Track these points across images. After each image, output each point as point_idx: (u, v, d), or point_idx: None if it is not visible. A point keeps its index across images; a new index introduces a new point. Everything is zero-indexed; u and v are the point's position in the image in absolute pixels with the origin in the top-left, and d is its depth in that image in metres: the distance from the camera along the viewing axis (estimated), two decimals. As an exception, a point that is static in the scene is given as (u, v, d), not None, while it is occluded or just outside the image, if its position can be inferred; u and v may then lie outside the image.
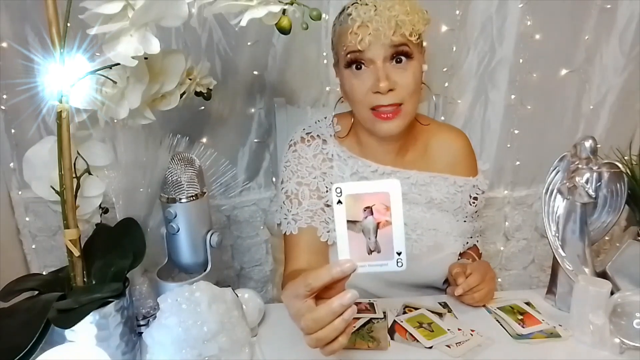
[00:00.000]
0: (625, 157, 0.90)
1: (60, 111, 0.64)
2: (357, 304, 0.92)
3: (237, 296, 0.78)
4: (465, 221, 1.04)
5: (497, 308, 0.91)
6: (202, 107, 1.28)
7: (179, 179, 0.80)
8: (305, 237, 0.95)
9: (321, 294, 0.61)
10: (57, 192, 0.70)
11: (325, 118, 1.03)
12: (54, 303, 0.69)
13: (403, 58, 0.87)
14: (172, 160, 0.81)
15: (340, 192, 0.60)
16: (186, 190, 0.81)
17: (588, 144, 0.84)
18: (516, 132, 1.41)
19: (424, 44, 0.93)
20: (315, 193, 0.96)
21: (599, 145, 0.86)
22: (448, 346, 0.80)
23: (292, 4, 0.63)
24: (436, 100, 1.28)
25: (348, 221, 0.61)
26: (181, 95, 0.83)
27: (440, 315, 0.89)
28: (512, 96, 1.36)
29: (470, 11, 1.30)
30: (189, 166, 0.81)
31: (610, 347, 0.78)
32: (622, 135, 1.42)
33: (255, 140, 1.36)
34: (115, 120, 0.76)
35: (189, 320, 0.68)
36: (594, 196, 0.86)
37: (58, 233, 1.33)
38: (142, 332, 0.74)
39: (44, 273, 1.25)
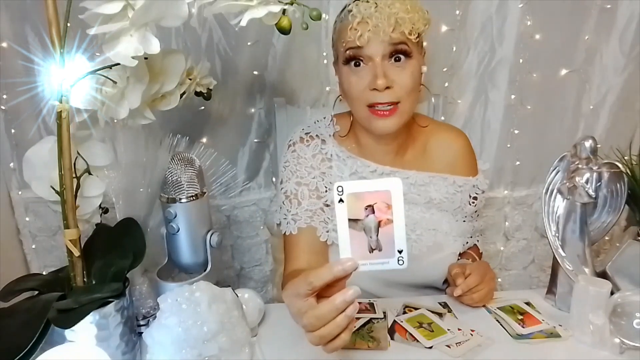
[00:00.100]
0: (625, 157, 0.90)
1: (60, 111, 0.64)
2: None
3: (237, 296, 0.78)
4: (464, 221, 1.04)
5: (497, 308, 0.91)
6: (202, 107, 1.28)
7: (179, 179, 0.80)
8: (305, 237, 0.95)
9: (322, 293, 0.61)
10: (57, 192, 0.70)
11: (325, 118, 1.03)
12: (54, 303, 0.69)
13: (402, 57, 0.87)
14: (172, 160, 0.81)
15: (342, 190, 0.60)
16: (186, 190, 0.81)
17: (588, 144, 0.84)
18: (516, 132, 1.41)
19: (424, 44, 0.93)
20: (314, 193, 0.97)
21: (599, 145, 0.86)
22: (448, 346, 0.80)
23: (292, 4, 0.63)
24: (435, 101, 1.28)
25: (349, 220, 0.61)
26: (181, 95, 0.83)
27: (440, 315, 0.89)
28: (512, 96, 1.36)
29: (470, 11, 1.30)
30: (189, 166, 0.81)
31: (610, 347, 0.78)
32: (622, 135, 1.42)
33: (255, 140, 1.36)
34: (115, 120, 0.76)
35: (189, 320, 0.68)
36: (594, 196, 0.86)
37: (58, 233, 1.33)
38: (142, 332, 0.74)
39: (44, 273, 1.25)
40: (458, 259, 1.02)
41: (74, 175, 0.70)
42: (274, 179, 1.40)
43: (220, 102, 1.28)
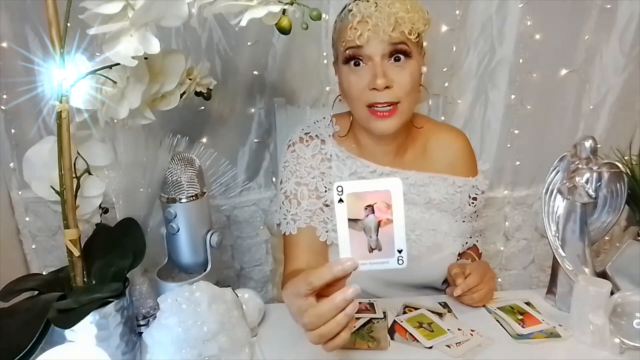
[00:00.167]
0: (625, 157, 0.90)
1: (60, 111, 0.64)
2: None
3: (237, 296, 0.78)
4: (464, 221, 1.04)
5: (497, 308, 0.91)
6: (202, 107, 1.28)
7: (179, 179, 0.80)
8: (305, 237, 0.95)
9: (322, 292, 0.61)
10: (57, 192, 0.70)
11: (324, 118, 1.03)
12: (54, 303, 0.69)
13: (402, 57, 0.87)
14: (172, 160, 0.81)
15: (342, 190, 0.60)
16: (186, 190, 0.81)
17: (588, 144, 0.84)
18: (516, 132, 1.41)
19: (424, 44, 0.93)
20: (314, 193, 0.97)
21: (599, 145, 0.86)
22: (448, 346, 0.80)
23: (292, 4, 0.63)
24: (435, 101, 1.29)
25: (349, 219, 0.61)
26: (181, 95, 0.83)
27: (440, 315, 0.89)
28: (512, 96, 1.36)
29: (470, 11, 1.30)
30: (189, 166, 0.81)
31: (610, 347, 0.78)
32: (622, 135, 1.41)
33: (255, 140, 1.36)
34: (115, 120, 0.76)
35: (189, 320, 0.68)
36: (594, 196, 0.86)
37: (58, 233, 1.33)
38: (142, 332, 0.74)
39: (44, 273, 1.25)
40: (457, 259, 1.02)
41: (74, 175, 0.70)
42: (274, 179, 1.40)
43: (220, 102, 1.28)
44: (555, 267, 0.92)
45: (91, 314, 0.69)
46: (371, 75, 0.86)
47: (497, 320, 0.87)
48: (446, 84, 1.36)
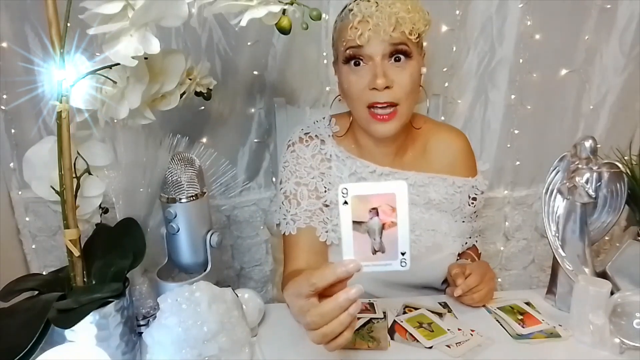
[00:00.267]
0: (625, 157, 0.90)
1: (60, 111, 0.64)
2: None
3: (237, 296, 0.78)
4: (464, 221, 1.04)
5: (497, 308, 0.91)
6: (202, 107, 1.28)
7: (179, 179, 0.80)
8: (304, 237, 0.95)
9: (323, 292, 0.61)
10: (57, 192, 0.70)
11: (324, 118, 1.03)
12: (54, 303, 0.69)
13: (402, 57, 0.87)
14: (172, 160, 0.81)
15: (346, 192, 0.60)
16: (186, 190, 0.80)
17: (588, 144, 0.84)
18: (516, 132, 1.41)
19: (424, 44, 0.93)
20: (313, 193, 0.97)
21: (599, 145, 0.86)
22: (448, 346, 0.80)
23: (292, 4, 0.63)
24: (435, 101, 1.29)
25: (353, 222, 0.61)
26: (181, 95, 0.83)
27: (440, 315, 0.89)
28: (512, 96, 1.36)
29: (470, 11, 1.30)
30: (189, 166, 0.81)
31: (610, 347, 0.78)
32: (622, 135, 1.42)
33: (255, 140, 1.36)
34: (115, 120, 0.76)
35: (189, 320, 0.68)
36: (594, 196, 0.86)
37: (58, 233, 1.33)
38: (142, 332, 0.74)
39: (44, 273, 1.25)
40: (457, 259, 1.02)
41: (74, 175, 0.70)
42: (274, 179, 1.40)
43: (220, 102, 1.28)
44: (555, 267, 0.92)
45: (91, 314, 0.69)
46: (371, 75, 0.86)
47: (497, 320, 0.87)
48: (446, 84, 1.36)
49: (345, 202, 0.60)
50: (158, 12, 0.59)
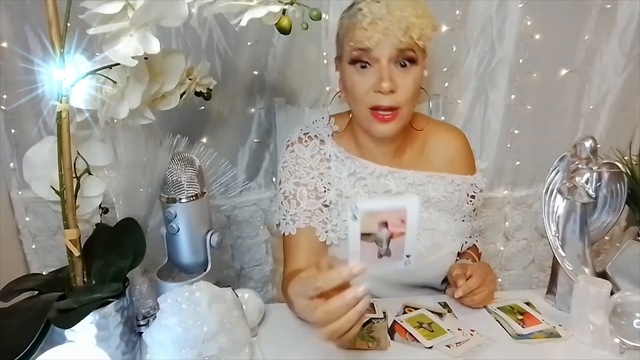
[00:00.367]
0: (625, 157, 0.90)
1: (60, 111, 0.64)
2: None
3: (237, 296, 0.78)
4: (463, 220, 1.04)
5: (497, 308, 0.91)
6: (202, 107, 1.27)
7: (179, 179, 0.80)
8: (304, 237, 0.95)
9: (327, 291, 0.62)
10: (57, 192, 0.70)
11: (323, 118, 1.03)
12: (54, 303, 0.69)
13: (407, 63, 0.87)
14: (172, 160, 0.81)
15: (357, 208, 0.60)
16: (186, 190, 0.80)
17: (588, 144, 0.84)
18: (516, 132, 1.41)
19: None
20: (313, 193, 0.97)
21: (599, 145, 0.86)
22: (448, 346, 0.80)
23: (292, 4, 0.63)
24: (434, 101, 1.28)
25: (362, 234, 0.61)
26: (181, 95, 0.83)
27: (440, 315, 0.89)
28: (512, 96, 1.36)
29: (470, 11, 1.29)
30: (189, 166, 0.81)
31: (610, 347, 0.78)
32: (622, 135, 1.41)
33: (255, 140, 1.36)
34: (115, 120, 0.76)
35: (189, 320, 0.68)
36: (594, 196, 0.86)
37: (58, 233, 1.32)
38: (142, 332, 0.74)
39: (44, 273, 1.25)
40: (457, 260, 1.02)
41: (74, 175, 0.70)
42: (274, 179, 1.40)
43: (220, 102, 1.28)
44: (555, 267, 0.92)
45: (91, 314, 0.69)
46: (377, 78, 0.86)
47: (497, 320, 0.87)
48: (446, 84, 1.35)
49: (355, 217, 0.60)
50: (158, 12, 0.59)
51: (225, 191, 1.29)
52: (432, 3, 0.89)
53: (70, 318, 0.68)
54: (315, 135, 1.00)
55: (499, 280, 1.56)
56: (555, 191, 0.90)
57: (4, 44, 1.16)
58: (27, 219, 1.32)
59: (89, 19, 0.58)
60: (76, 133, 0.73)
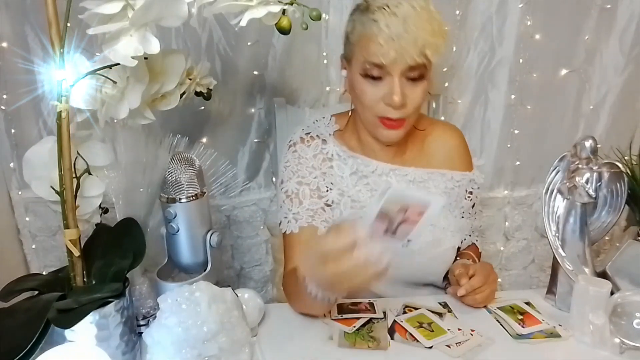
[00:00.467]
0: (625, 157, 0.90)
1: (60, 111, 0.64)
2: (357, 303, 0.93)
3: (237, 296, 0.78)
4: (462, 217, 1.05)
5: (497, 308, 0.91)
6: (202, 107, 1.27)
7: (178, 179, 0.80)
8: (305, 236, 0.95)
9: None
10: (57, 192, 0.70)
11: (324, 118, 1.04)
12: (54, 303, 0.69)
13: (417, 78, 0.88)
14: (172, 160, 0.81)
15: (389, 187, 0.66)
16: (186, 190, 0.80)
17: (588, 144, 0.84)
18: (516, 132, 1.41)
19: None
20: (315, 193, 0.97)
21: (599, 145, 0.86)
22: (448, 346, 0.80)
23: (292, 4, 0.63)
24: (435, 101, 1.29)
25: (381, 211, 0.66)
26: (181, 95, 0.83)
27: (440, 315, 0.89)
28: (512, 96, 1.36)
29: (470, 11, 1.30)
30: (189, 166, 0.81)
31: (610, 347, 0.78)
32: (622, 135, 1.41)
33: (255, 140, 1.36)
34: (115, 120, 0.76)
35: (189, 320, 0.68)
36: (594, 196, 0.86)
37: (58, 233, 1.32)
38: (142, 332, 0.74)
39: (44, 273, 1.25)
40: (457, 259, 1.02)
41: (74, 175, 0.70)
42: (274, 179, 1.40)
43: (220, 102, 1.28)
44: (555, 267, 0.92)
45: (91, 314, 0.69)
46: (387, 90, 0.87)
47: (497, 320, 0.87)
48: (446, 84, 1.36)
49: (383, 194, 0.65)
50: (158, 12, 0.59)
51: (225, 191, 1.29)
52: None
53: (70, 318, 0.68)
54: (317, 135, 1.01)
55: (499, 280, 1.56)
56: (555, 191, 0.90)
57: (4, 44, 1.15)
58: (27, 219, 1.32)
59: (89, 19, 0.58)
60: (76, 133, 0.73)
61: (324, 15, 1.23)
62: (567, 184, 0.87)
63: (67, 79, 0.63)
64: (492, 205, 1.48)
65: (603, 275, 0.88)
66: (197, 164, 0.83)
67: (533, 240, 1.54)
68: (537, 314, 0.89)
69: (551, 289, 0.93)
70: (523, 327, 0.85)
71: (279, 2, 0.62)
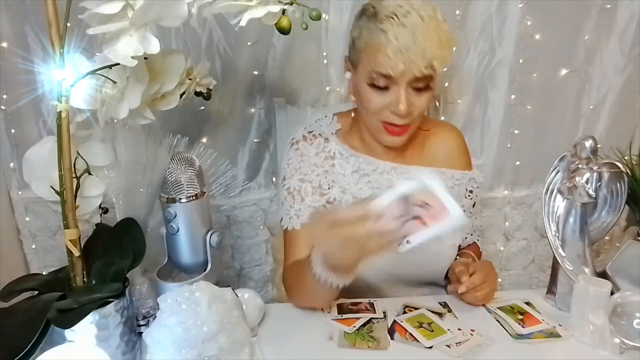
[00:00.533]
0: (625, 157, 0.90)
1: (60, 111, 0.64)
2: (357, 304, 0.93)
3: (237, 296, 0.78)
4: None
5: (497, 308, 0.91)
6: (202, 107, 1.27)
7: (178, 179, 0.80)
8: (307, 233, 0.96)
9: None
10: (57, 192, 0.70)
11: (326, 117, 1.04)
12: (54, 303, 0.69)
13: (424, 87, 0.88)
14: (172, 160, 0.81)
15: (425, 179, 0.68)
16: (186, 190, 0.80)
17: (588, 143, 0.84)
18: (516, 132, 1.41)
19: None
20: (317, 190, 0.98)
21: (599, 145, 0.86)
22: (448, 346, 0.80)
23: (291, 4, 0.63)
24: (433, 102, 1.29)
25: (402, 194, 0.68)
26: (181, 95, 0.83)
27: (440, 315, 0.89)
28: (512, 96, 1.36)
29: (470, 11, 1.29)
30: (188, 166, 0.81)
31: (610, 347, 0.78)
32: (622, 135, 1.41)
33: (255, 140, 1.36)
34: (115, 120, 0.76)
35: (189, 320, 0.68)
36: (594, 196, 0.86)
37: (58, 233, 1.32)
38: (142, 332, 0.74)
39: (44, 273, 1.25)
40: (457, 257, 1.02)
41: (74, 175, 0.70)
42: (274, 179, 1.40)
43: (220, 102, 1.28)
44: (555, 267, 0.92)
45: (91, 314, 0.69)
46: (394, 98, 0.87)
47: (497, 320, 0.87)
48: (446, 84, 1.36)
49: (413, 181, 0.68)
50: (158, 12, 0.59)
51: (225, 191, 1.29)
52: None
53: (70, 318, 0.68)
54: (320, 134, 1.01)
55: (499, 280, 1.56)
56: (555, 191, 0.90)
57: (4, 44, 1.15)
58: (27, 219, 1.32)
59: (88, 19, 0.58)
60: (76, 133, 0.73)
61: (324, 15, 1.23)
62: (567, 184, 0.87)
63: (67, 79, 0.63)
64: (492, 205, 1.48)
65: (603, 275, 0.88)
66: (197, 164, 0.83)
67: (533, 240, 1.53)
68: (537, 314, 0.89)
69: (551, 289, 0.93)
70: (523, 327, 0.85)
71: (279, 2, 0.62)
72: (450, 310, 0.91)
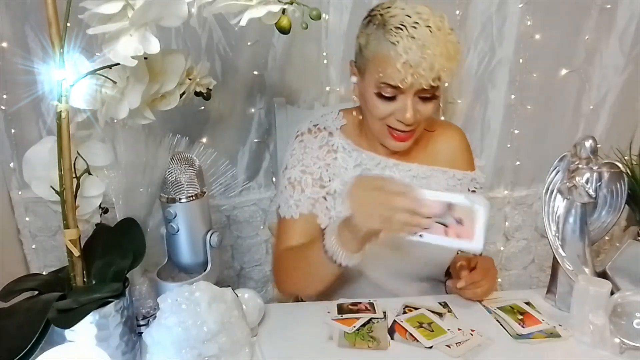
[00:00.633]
0: (625, 157, 0.90)
1: (60, 111, 0.64)
2: (357, 304, 0.93)
3: (237, 296, 0.78)
4: None
5: (497, 308, 0.90)
6: (202, 107, 1.28)
7: (178, 179, 0.80)
8: (304, 222, 0.97)
9: None
10: (57, 192, 0.70)
11: (332, 112, 1.05)
12: (54, 303, 0.69)
13: (430, 96, 0.89)
14: (172, 160, 0.81)
15: (474, 200, 0.73)
16: (186, 190, 0.80)
17: (588, 143, 0.84)
18: (516, 132, 1.41)
19: None
20: (317, 182, 0.99)
21: (599, 145, 0.86)
22: (448, 346, 0.80)
23: (291, 3, 0.63)
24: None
25: (443, 201, 0.74)
26: (181, 95, 0.83)
27: (440, 315, 0.89)
28: (512, 96, 1.36)
29: (470, 11, 1.30)
30: (188, 166, 0.81)
31: (610, 347, 0.78)
32: (622, 135, 1.41)
33: (255, 140, 1.36)
34: (115, 120, 0.76)
35: (189, 320, 0.68)
36: (594, 196, 0.86)
37: (58, 233, 1.32)
38: (142, 332, 0.74)
39: (44, 273, 1.25)
40: (459, 252, 1.03)
41: (74, 175, 0.70)
42: (274, 179, 1.40)
43: (220, 102, 1.28)
44: (555, 267, 0.92)
45: (91, 314, 0.69)
46: (400, 106, 0.88)
47: (497, 320, 0.87)
48: (446, 84, 1.36)
49: (466, 201, 0.73)
50: (158, 12, 0.59)
51: (225, 191, 1.28)
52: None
53: (70, 318, 0.68)
54: (324, 128, 1.02)
55: (499, 280, 1.56)
56: (555, 191, 0.90)
57: (4, 44, 1.15)
58: (27, 219, 1.32)
59: (88, 19, 0.58)
60: (76, 133, 0.73)
61: (324, 15, 1.23)
62: (567, 184, 0.87)
63: (67, 79, 0.63)
64: (492, 205, 1.48)
65: (603, 275, 0.88)
66: (197, 164, 0.83)
67: (533, 240, 1.54)
68: (537, 314, 0.89)
69: (551, 289, 0.93)
70: (523, 327, 0.85)
71: (279, 1, 0.62)
72: (450, 310, 0.91)
